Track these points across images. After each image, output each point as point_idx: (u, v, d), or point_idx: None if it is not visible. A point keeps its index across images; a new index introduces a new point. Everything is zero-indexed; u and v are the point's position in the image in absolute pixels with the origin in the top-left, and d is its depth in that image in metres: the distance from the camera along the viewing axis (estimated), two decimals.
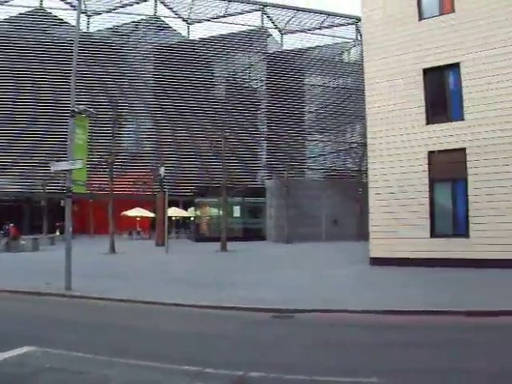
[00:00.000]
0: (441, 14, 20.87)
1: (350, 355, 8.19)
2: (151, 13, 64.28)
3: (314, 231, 40.50)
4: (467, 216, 19.28)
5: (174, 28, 66.51)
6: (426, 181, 20.17)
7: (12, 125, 56.11)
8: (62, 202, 22.93)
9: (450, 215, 20.10)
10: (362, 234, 32.87)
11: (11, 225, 36.69)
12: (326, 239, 40.10)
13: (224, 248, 32.54)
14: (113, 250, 32.07)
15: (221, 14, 65.81)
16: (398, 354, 8.12)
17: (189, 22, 66.00)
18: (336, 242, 37.57)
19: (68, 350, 8.12)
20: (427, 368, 7.21)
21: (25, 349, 8.08)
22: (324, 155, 64.37)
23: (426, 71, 20.76)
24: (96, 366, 7.32)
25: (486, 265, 17.40)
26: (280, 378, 6.86)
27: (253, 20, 66.17)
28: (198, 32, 65.58)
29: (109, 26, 64.46)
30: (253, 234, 45.02)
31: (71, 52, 17.95)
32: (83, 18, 59.44)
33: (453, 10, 20.44)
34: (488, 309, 11.05)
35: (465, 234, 19.16)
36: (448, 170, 20.02)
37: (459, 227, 19.59)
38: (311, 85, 67.67)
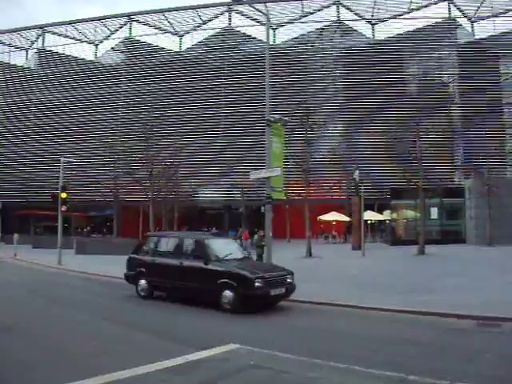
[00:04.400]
0: None
1: None
2: (334, 18, 64.96)
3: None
4: None
5: (359, 30, 66.39)
6: None
7: (213, 139, 60.56)
8: (262, 208, 24.11)
9: None
10: None
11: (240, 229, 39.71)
12: None
13: (422, 252, 31.54)
14: (310, 254, 32.84)
15: (405, 11, 64.13)
16: None
17: (372, 22, 65.39)
18: None
19: (270, 349, 8.52)
20: None
21: (230, 346, 8.66)
22: None
23: None
24: (299, 367, 7.57)
25: None
26: None
27: (439, 12, 63.28)
28: (384, 32, 64.66)
29: (294, 35, 66.65)
30: (451, 236, 42.96)
31: (262, 65, 18.90)
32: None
33: None
34: None
35: None
36: None
37: None
38: (509, 73, 62.65)
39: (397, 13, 64.51)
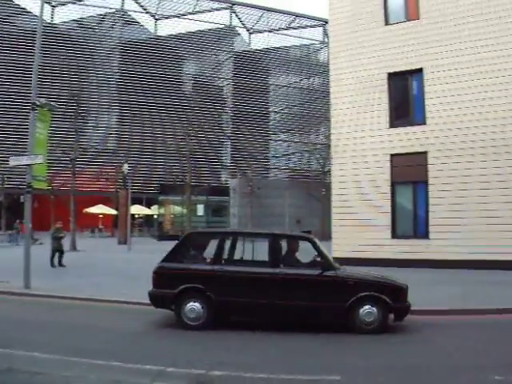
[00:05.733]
0: (406, 20, 21.51)
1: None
2: (118, 6, 63.58)
3: (278, 230, 40.66)
4: (427, 218, 19.77)
5: (142, 23, 65.99)
6: (388, 183, 20.63)
7: None
8: (22, 197, 22.52)
9: (411, 217, 20.56)
10: (325, 234, 33.18)
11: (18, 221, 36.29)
12: None
13: None
14: (74, 247, 31.55)
15: (189, 11, 65.59)
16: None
17: (156, 17, 65.56)
18: None
19: (26, 350, 7.92)
20: None
21: None
22: (288, 155, 64.70)
23: (390, 75, 21.24)
24: (56, 366, 7.13)
25: (444, 265, 17.79)
26: (241, 376, 6.86)
27: (221, 18, 66.15)
28: (166, 28, 65.27)
29: (74, 17, 63.46)
30: None
31: (34, 43, 17.64)
32: (47, 8, 58.30)
33: (418, 17, 21.17)
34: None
35: (425, 235, 19.62)
36: (410, 173, 20.47)
37: (420, 228, 20.06)
38: (277, 85, 67.95)
39: (181, 12, 65.49)
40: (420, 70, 20.73)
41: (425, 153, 20.05)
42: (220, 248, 10.49)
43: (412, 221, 20.55)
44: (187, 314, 9.94)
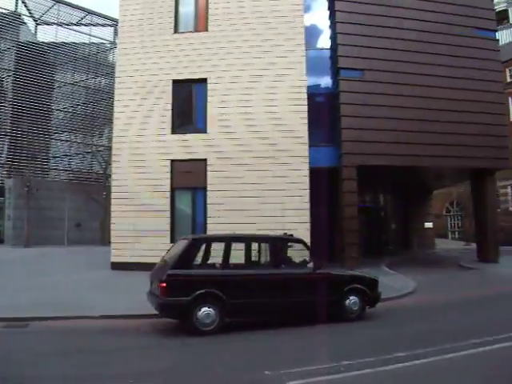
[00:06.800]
0: (195, 31, 22.36)
1: (89, 362, 7.98)
2: None
3: (57, 234, 39.02)
4: (205, 222, 20.56)
5: None
6: (168, 188, 21.04)
7: None
8: None
9: (190, 222, 21.15)
10: (105, 239, 32.62)
11: None
12: (68, 243, 38.91)
13: None
14: None
15: None
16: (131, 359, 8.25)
17: None
18: (79, 245, 36.71)
19: None
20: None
21: None
22: (70, 156, 62.01)
23: (175, 82, 21.69)
24: None
25: None
26: None
27: (6, 3, 61.09)
28: None
29: None
30: None
31: None
32: None
33: (206, 30, 22.19)
34: None
35: None
36: (190, 179, 21.12)
37: (198, 232, 20.65)
38: (63, 82, 64.96)
39: None
40: (204, 80, 21.57)
41: (204, 160, 20.87)
42: (227, 252, 10.67)
43: (191, 226, 21.13)
44: (202, 319, 9.88)
